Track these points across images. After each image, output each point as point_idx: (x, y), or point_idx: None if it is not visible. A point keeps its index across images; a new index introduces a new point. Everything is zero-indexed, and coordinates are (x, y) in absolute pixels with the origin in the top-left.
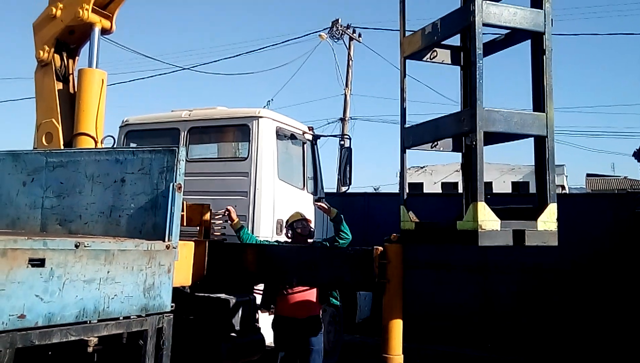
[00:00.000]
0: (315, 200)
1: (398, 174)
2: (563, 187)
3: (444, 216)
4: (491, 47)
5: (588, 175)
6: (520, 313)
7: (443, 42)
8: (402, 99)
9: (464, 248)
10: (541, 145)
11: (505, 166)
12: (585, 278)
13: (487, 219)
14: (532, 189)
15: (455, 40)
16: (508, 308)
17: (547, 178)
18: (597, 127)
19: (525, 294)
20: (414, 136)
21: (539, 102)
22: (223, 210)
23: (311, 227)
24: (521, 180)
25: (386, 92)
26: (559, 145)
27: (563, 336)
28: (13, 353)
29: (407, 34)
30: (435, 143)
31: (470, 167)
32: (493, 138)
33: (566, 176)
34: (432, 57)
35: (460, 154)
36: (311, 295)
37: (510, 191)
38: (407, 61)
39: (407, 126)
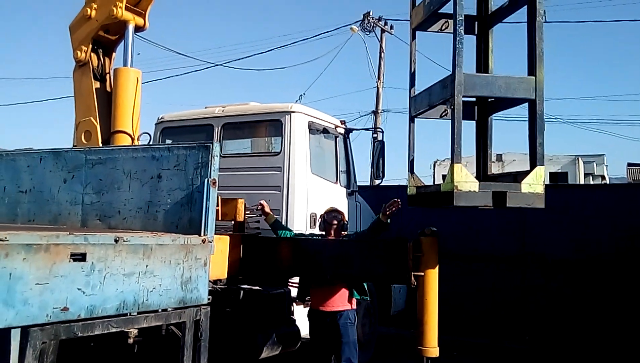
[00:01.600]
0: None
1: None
2: (603, 177)
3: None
4: (499, 15)
5: (629, 164)
6: (558, 306)
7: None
8: (412, 70)
9: (503, 240)
10: (531, 108)
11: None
12: (626, 270)
13: (464, 180)
14: (572, 179)
15: (471, 10)
16: (546, 301)
17: (536, 141)
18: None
19: (565, 287)
20: (416, 105)
21: (532, 67)
22: (256, 205)
23: (343, 219)
24: (560, 171)
25: (419, 83)
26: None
27: (600, 329)
28: (57, 344)
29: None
30: (445, 112)
31: (481, 135)
32: (497, 105)
33: (606, 166)
34: (443, 28)
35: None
36: (343, 288)
37: (548, 181)
38: (416, 33)
39: (412, 96)
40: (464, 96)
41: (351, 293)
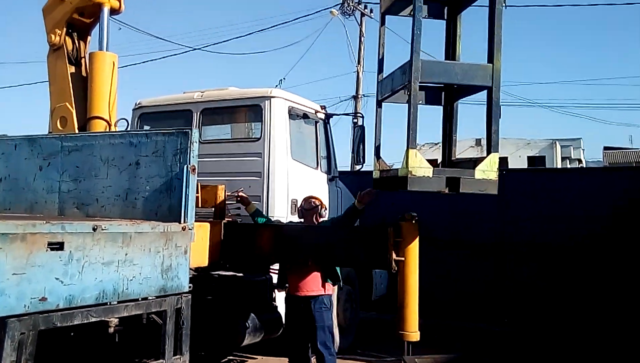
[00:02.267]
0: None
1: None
2: (580, 161)
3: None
4: (468, 1)
5: (605, 148)
6: (536, 290)
7: None
8: (380, 56)
9: (481, 227)
10: (488, 96)
11: (521, 141)
12: (602, 254)
13: (418, 166)
14: (549, 163)
15: None
16: (523, 285)
17: (492, 128)
18: (615, 100)
19: (541, 271)
20: (382, 90)
21: (491, 55)
22: (234, 193)
23: (320, 205)
24: (537, 154)
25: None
26: (577, 118)
27: (579, 314)
28: (36, 335)
29: None
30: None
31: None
32: (459, 91)
33: (583, 150)
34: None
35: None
36: (317, 274)
37: (526, 165)
38: (386, 16)
39: (379, 80)
40: (425, 82)
41: (324, 279)
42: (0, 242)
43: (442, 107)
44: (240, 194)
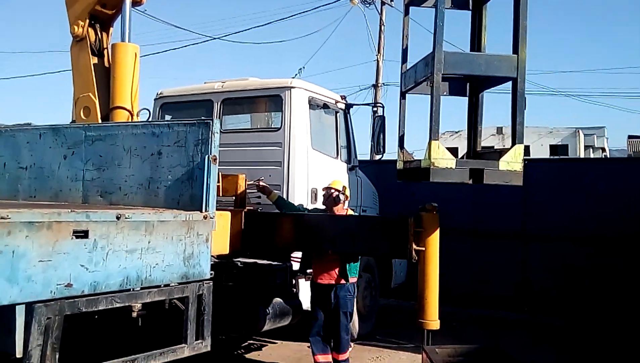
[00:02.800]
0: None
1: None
2: (604, 149)
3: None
4: None
5: (630, 137)
6: (556, 279)
7: None
8: (404, 46)
9: (502, 217)
10: (513, 87)
11: (543, 129)
12: (624, 245)
13: (441, 157)
14: (572, 152)
15: None
16: (545, 274)
17: (517, 120)
18: (639, 88)
19: (562, 261)
20: (405, 81)
21: (516, 45)
22: (254, 183)
23: (342, 193)
24: (560, 143)
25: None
26: (600, 107)
27: (601, 303)
28: (62, 320)
29: None
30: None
31: (472, 111)
32: (484, 82)
33: (607, 138)
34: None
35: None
36: (341, 265)
37: (548, 154)
38: (410, 7)
39: (403, 72)
40: (448, 74)
41: (348, 271)
42: (27, 230)
43: (467, 98)
44: (261, 183)
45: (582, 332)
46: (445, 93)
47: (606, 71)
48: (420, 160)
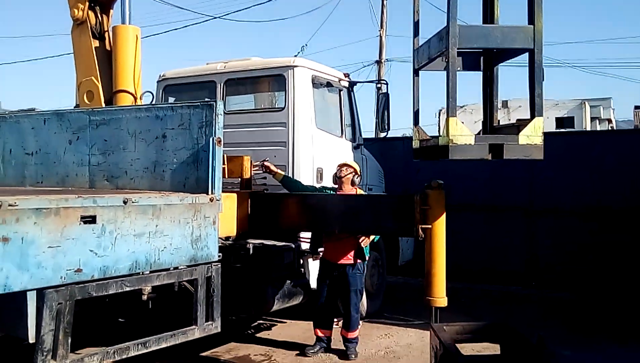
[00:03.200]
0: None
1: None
2: (610, 120)
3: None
4: None
5: (636, 107)
6: (563, 254)
7: None
8: (415, 20)
9: (509, 191)
10: (530, 59)
11: (549, 102)
12: (629, 218)
13: (459, 134)
14: (578, 124)
15: None
16: (552, 249)
17: (535, 92)
18: None
19: (570, 236)
20: (418, 58)
21: (531, 16)
22: (259, 163)
23: (355, 173)
24: (566, 115)
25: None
26: (606, 78)
27: (608, 277)
28: (73, 304)
29: None
30: None
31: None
32: (502, 54)
33: (613, 109)
34: None
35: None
36: (354, 245)
37: (554, 127)
38: None
39: (415, 48)
40: (463, 48)
41: (362, 251)
42: (35, 217)
43: (481, 72)
44: (266, 164)
45: (589, 306)
46: (459, 68)
47: (612, 42)
48: (437, 137)
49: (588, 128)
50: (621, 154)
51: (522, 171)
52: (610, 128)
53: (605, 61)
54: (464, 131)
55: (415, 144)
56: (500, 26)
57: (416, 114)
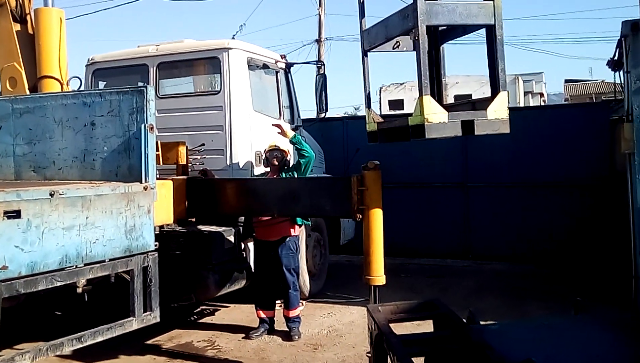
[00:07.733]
0: (197, 146)
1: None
2: (542, 94)
3: None
4: None
5: (566, 81)
6: (497, 226)
7: None
8: (361, 1)
9: (445, 167)
10: (490, 34)
11: (484, 78)
12: (562, 190)
13: (433, 112)
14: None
15: None
16: (486, 221)
17: (498, 67)
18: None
19: (501, 208)
20: (369, 38)
21: None
22: (196, 146)
23: (285, 156)
24: None
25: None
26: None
27: (537, 246)
28: None
29: None
30: (397, 44)
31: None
32: (448, 33)
33: (545, 83)
34: None
35: None
36: (282, 219)
37: None
38: None
39: (364, 29)
40: (430, 25)
41: (293, 221)
42: None
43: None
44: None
45: (521, 276)
46: (402, 48)
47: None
48: (404, 117)
49: (521, 102)
50: (552, 127)
51: (459, 147)
52: (542, 101)
53: (537, 37)
54: (438, 109)
55: (370, 127)
56: (462, 3)
57: (368, 97)
